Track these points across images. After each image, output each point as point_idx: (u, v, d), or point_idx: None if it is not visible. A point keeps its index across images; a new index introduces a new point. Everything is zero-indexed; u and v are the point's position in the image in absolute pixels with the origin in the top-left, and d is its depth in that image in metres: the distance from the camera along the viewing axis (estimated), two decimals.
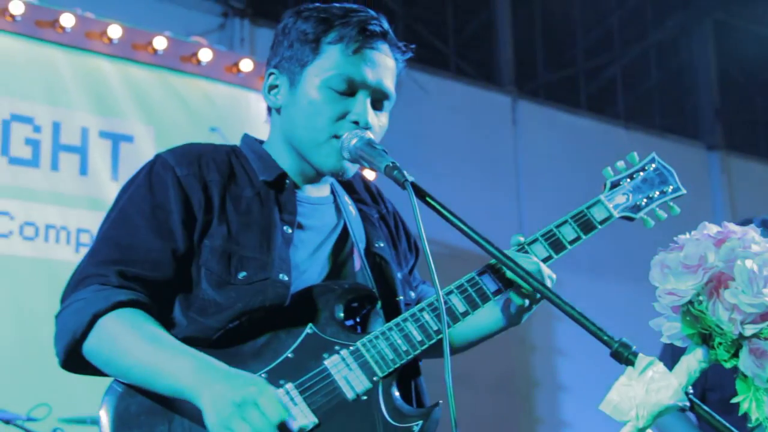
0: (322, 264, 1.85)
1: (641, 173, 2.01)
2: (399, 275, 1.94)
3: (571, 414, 6.68)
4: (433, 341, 1.77)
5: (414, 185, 1.69)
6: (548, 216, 7.13)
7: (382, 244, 1.95)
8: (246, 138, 1.98)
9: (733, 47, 8.27)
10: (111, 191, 4.60)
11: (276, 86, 1.88)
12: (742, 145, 8.49)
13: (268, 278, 1.74)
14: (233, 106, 5.10)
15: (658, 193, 2.00)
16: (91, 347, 1.69)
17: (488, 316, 1.94)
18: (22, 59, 4.49)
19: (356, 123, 1.82)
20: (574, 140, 7.37)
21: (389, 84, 1.87)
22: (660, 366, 1.46)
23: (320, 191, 1.94)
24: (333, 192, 1.97)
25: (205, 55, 4.94)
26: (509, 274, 1.83)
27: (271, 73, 1.88)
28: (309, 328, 1.74)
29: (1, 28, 4.40)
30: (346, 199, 1.98)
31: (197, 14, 5.98)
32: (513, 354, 6.58)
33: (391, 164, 1.72)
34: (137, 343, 1.65)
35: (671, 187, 2.01)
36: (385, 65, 1.86)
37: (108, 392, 1.70)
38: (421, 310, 1.79)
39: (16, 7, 4.35)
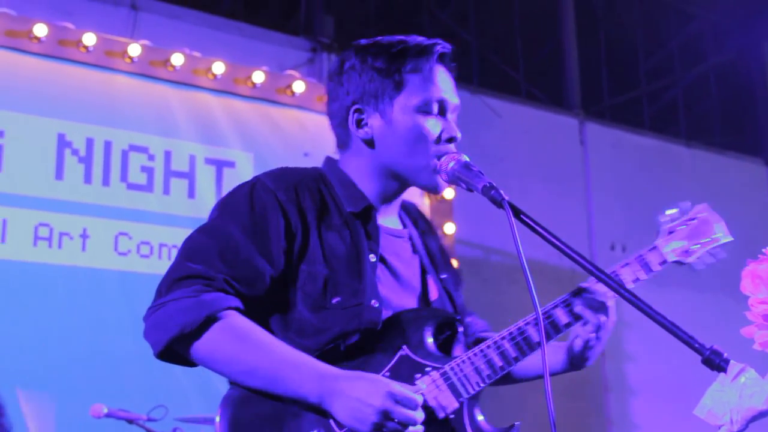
0: (404, 294, 1.85)
1: (694, 221, 2.03)
2: (459, 302, 1.96)
3: (641, 416, 6.53)
4: (513, 366, 1.80)
5: (510, 204, 1.68)
6: (617, 230, 7.00)
7: (445, 276, 1.96)
8: (330, 163, 1.95)
9: None
10: None
11: (363, 120, 1.85)
12: None
13: (361, 303, 1.74)
14: (324, 132, 5.11)
15: (708, 240, 2.01)
16: (203, 346, 1.64)
17: (552, 357, 1.96)
18: (138, 96, 4.63)
19: (451, 140, 1.84)
20: (639, 158, 7.25)
21: (457, 97, 1.91)
22: (752, 372, 1.42)
23: (395, 223, 1.94)
24: (404, 224, 1.97)
25: (299, 86, 5.01)
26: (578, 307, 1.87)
27: (357, 110, 1.85)
28: (402, 350, 1.74)
29: (121, 69, 4.53)
30: (414, 231, 1.98)
31: (289, 50, 6.07)
32: None
33: (488, 185, 1.72)
34: (261, 346, 1.64)
35: (721, 234, 2.02)
36: (451, 81, 1.89)
37: (223, 402, 1.69)
38: (503, 338, 1.81)
39: (134, 50, 4.48)
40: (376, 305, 1.75)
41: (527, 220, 1.68)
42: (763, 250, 1.49)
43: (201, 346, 1.65)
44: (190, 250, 1.70)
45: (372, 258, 1.80)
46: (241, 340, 1.64)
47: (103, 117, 4.50)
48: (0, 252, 4.15)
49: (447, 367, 1.74)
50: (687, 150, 7.59)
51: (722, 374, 1.44)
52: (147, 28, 5.24)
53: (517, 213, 1.68)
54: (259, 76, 4.88)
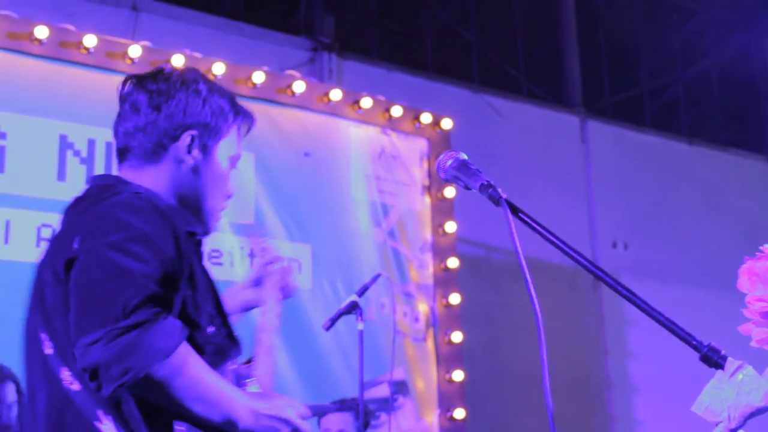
0: None
1: None
2: None
3: (643, 413, 6.54)
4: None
5: (508, 202, 1.69)
6: (619, 228, 7.00)
7: None
8: (122, 181, 1.81)
9: None
10: None
11: (191, 147, 1.83)
12: None
13: (231, 333, 1.79)
14: (324, 132, 5.16)
15: None
16: (180, 375, 1.56)
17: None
18: None
19: (230, 197, 1.94)
20: (641, 156, 7.25)
21: None
22: (750, 369, 1.42)
23: None
24: None
25: (299, 86, 5.01)
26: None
27: (192, 135, 1.83)
28: (232, 365, 1.83)
29: (122, 70, 4.52)
30: None
31: (290, 50, 6.09)
32: (587, 357, 6.49)
33: (485, 183, 1.73)
34: (215, 378, 1.64)
35: None
36: None
37: None
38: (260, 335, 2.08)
39: (135, 51, 4.49)
40: (237, 334, 1.82)
41: (525, 218, 1.69)
42: (761, 248, 1.50)
43: (177, 376, 1.56)
44: (140, 266, 1.57)
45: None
46: (206, 371, 1.61)
47: (105, 118, 4.41)
48: (3, 253, 4.16)
49: (254, 375, 1.92)
50: (689, 147, 7.60)
51: (720, 371, 1.45)
52: (148, 29, 5.26)
53: (515, 211, 1.69)
54: (259, 77, 4.88)
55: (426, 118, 5.35)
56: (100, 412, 1.59)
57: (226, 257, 4.68)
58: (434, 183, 5.34)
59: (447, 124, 5.42)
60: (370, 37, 6.73)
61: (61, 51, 4.35)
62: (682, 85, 7.94)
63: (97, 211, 1.68)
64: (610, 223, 6.91)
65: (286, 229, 4.83)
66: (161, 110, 1.82)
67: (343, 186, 5.08)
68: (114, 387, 1.50)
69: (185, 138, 1.82)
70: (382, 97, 5.25)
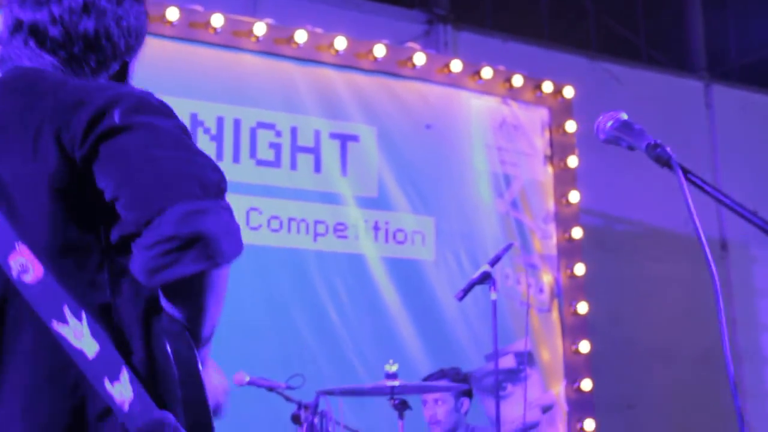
0: None
1: None
2: None
3: None
4: None
5: (678, 163, 1.64)
6: (747, 195, 6.69)
7: None
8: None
9: None
10: (341, 186, 4.77)
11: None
12: None
13: None
14: (445, 104, 5.13)
15: None
16: (226, 278, 1.35)
17: None
18: (264, 74, 4.71)
19: None
20: None
21: None
22: None
23: None
24: None
25: (419, 59, 5.00)
26: None
27: (129, 63, 1.56)
28: None
29: (247, 48, 4.63)
30: None
31: (405, 23, 6.07)
32: (715, 329, 6.27)
33: (653, 143, 1.68)
34: None
35: None
36: None
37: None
38: None
39: (260, 29, 4.56)
40: None
41: (695, 179, 1.64)
42: None
43: (226, 279, 1.35)
44: (205, 157, 1.38)
45: None
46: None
47: (232, 96, 4.62)
48: None
49: None
50: None
51: None
52: (267, 7, 5.33)
53: (686, 171, 1.64)
54: (380, 50, 4.89)
55: (547, 86, 5.25)
56: (65, 308, 1.26)
57: (351, 230, 4.74)
58: (556, 153, 5.25)
59: (569, 92, 5.31)
60: (484, 8, 6.64)
61: (191, 31, 4.47)
62: None
63: (127, 92, 1.37)
64: (737, 191, 6.56)
65: (409, 202, 4.86)
66: (121, 26, 1.50)
67: (465, 157, 5.05)
68: (218, 263, 1.27)
69: (131, 67, 1.55)
70: (502, 67, 5.18)
